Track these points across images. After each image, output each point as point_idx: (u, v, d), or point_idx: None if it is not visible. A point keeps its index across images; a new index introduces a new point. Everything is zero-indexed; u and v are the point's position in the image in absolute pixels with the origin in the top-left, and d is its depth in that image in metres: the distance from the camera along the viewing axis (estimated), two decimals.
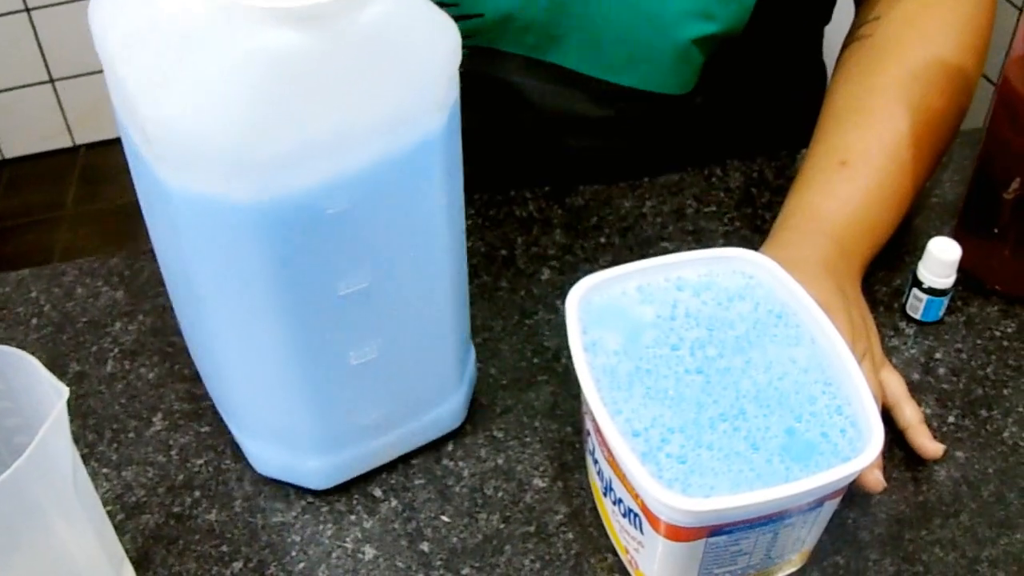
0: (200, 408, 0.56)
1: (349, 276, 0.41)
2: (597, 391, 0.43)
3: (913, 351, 0.57)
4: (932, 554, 0.48)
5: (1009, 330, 0.57)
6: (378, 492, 0.51)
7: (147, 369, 0.58)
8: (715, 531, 0.41)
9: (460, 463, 0.52)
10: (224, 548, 0.49)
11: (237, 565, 0.49)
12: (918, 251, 0.57)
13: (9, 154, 1.85)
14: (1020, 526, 0.49)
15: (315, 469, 0.49)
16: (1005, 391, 0.55)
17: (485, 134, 0.72)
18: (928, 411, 0.54)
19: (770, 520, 0.41)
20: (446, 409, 0.51)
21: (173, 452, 0.54)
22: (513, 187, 0.67)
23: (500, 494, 0.51)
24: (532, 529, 0.49)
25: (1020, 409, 0.54)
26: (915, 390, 0.55)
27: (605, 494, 0.46)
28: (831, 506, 0.44)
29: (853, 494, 0.49)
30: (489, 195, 0.66)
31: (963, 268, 0.59)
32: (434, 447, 0.53)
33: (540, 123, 0.68)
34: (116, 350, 0.59)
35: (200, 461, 0.53)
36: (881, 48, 0.60)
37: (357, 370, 0.45)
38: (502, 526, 0.49)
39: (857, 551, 0.48)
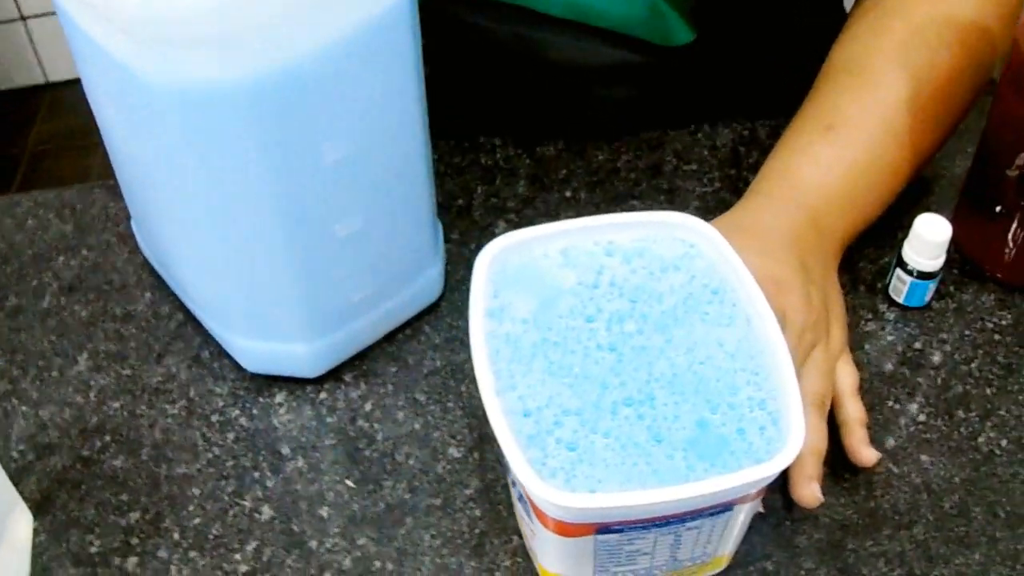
0: (126, 349, 0.54)
1: (334, 143, 0.43)
2: (490, 363, 0.39)
3: (891, 338, 0.51)
4: (874, 568, 0.43)
5: (1004, 323, 0.51)
6: (286, 450, 0.49)
7: (81, 307, 0.56)
8: (602, 529, 0.37)
9: (376, 425, 0.49)
10: (124, 496, 0.48)
11: (134, 516, 0.47)
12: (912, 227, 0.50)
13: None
14: (980, 545, 0.43)
15: (305, 355, 0.50)
16: (988, 390, 0.48)
17: (459, 82, 0.68)
18: (897, 406, 0.48)
19: (668, 522, 0.37)
20: (425, 282, 0.52)
21: (92, 393, 0.52)
22: (483, 134, 0.62)
23: (411, 461, 0.48)
24: (439, 502, 0.46)
25: (1002, 412, 0.48)
26: (887, 381, 0.49)
27: (505, 474, 0.43)
28: (747, 509, 0.39)
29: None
30: (456, 141, 0.62)
31: (962, 251, 0.53)
32: (351, 405, 0.50)
33: (518, 70, 0.63)
34: (55, 285, 0.57)
35: (116, 404, 0.51)
36: (891, 6, 0.53)
37: (344, 243, 0.46)
38: (407, 496, 0.46)
39: (790, 557, 0.44)
